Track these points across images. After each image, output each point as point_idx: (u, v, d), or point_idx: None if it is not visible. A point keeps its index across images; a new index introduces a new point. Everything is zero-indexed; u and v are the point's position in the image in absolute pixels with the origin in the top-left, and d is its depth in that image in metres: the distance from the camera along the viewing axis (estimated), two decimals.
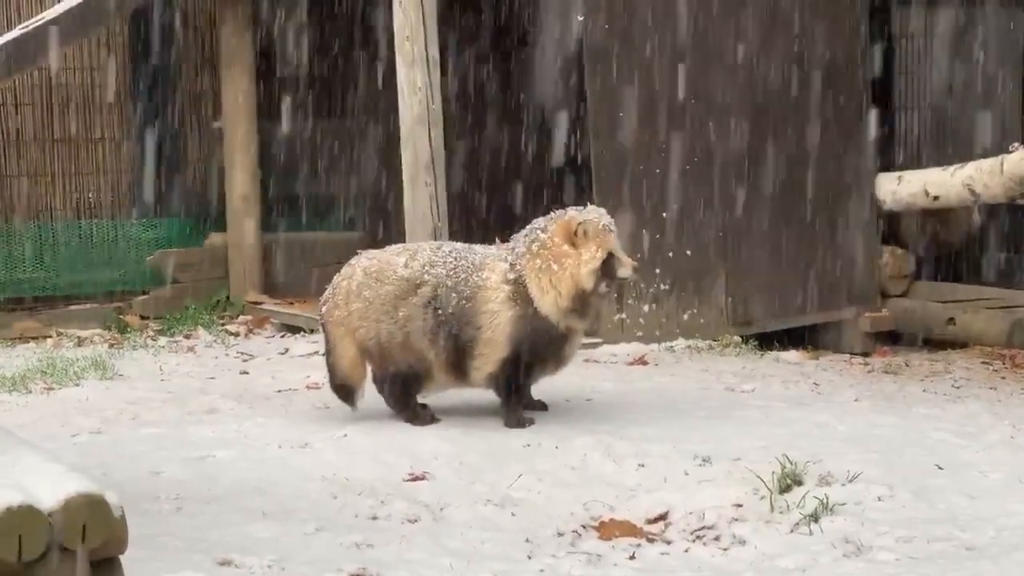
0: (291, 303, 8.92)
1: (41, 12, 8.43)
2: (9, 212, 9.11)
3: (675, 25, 7.53)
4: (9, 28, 8.55)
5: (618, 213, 7.34)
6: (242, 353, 7.58)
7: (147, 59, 9.51)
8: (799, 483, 4.45)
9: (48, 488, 2.87)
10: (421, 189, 7.19)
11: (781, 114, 7.76)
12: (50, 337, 8.27)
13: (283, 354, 7.53)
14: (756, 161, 7.70)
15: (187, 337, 8.20)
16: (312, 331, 8.01)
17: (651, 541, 4.14)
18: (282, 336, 8.21)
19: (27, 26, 8.14)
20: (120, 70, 9.48)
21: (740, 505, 4.33)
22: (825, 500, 4.23)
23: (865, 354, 7.65)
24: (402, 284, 5.46)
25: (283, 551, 3.88)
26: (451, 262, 5.54)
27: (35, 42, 8.10)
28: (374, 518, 4.30)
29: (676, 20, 7.53)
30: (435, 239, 7.19)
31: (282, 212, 9.67)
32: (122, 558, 2.99)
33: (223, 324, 8.54)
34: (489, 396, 5.55)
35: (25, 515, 2.77)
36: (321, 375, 6.76)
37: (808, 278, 7.88)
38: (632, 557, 3.98)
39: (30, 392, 6.41)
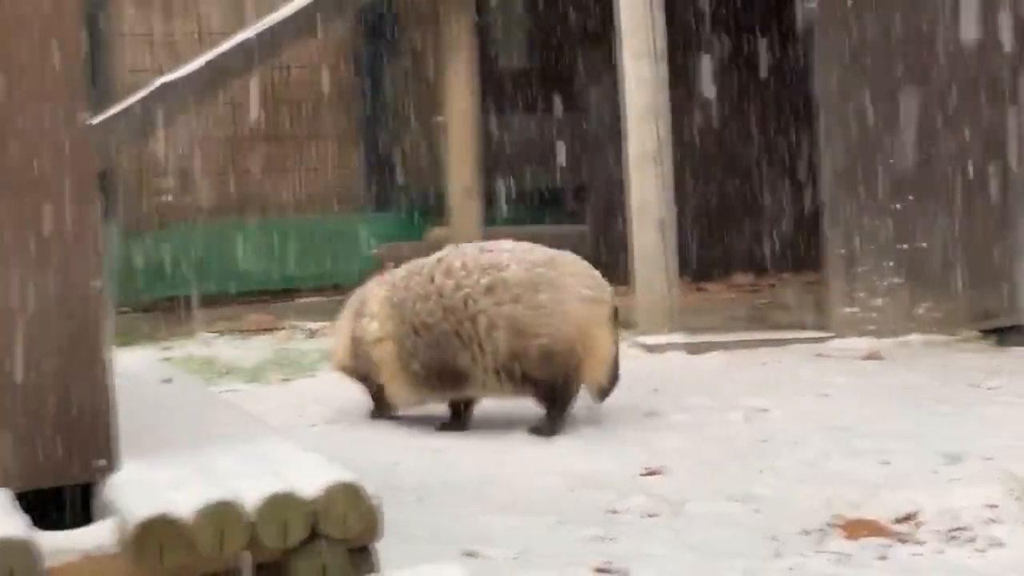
0: None
1: (272, 12, 8.64)
2: (239, 207, 9.38)
3: (902, 12, 7.29)
4: (243, 27, 8.79)
5: (851, 203, 7.23)
6: None
7: (370, 54, 9.67)
8: None
9: (308, 477, 2.92)
10: (647, 180, 7.14)
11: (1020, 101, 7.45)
12: (281, 329, 8.47)
13: None
14: (992, 151, 7.41)
15: None
16: None
17: (901, 542, 3.99)
18: None
19: (260, 26, 8.37)
20: (344, 66, 9.68)
21: (995, 506, 4.15)
22: None
23: None
24: None
25: (525, 543, 3.88)
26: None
27: (269, 41, 8.33)
28: (613, 512, 4.26)
29: (906, 5, 7.30)
30: (661, 231, 7.15)
31: (505, 205, 9.73)
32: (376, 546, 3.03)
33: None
34: (726, 396, 5.46)
35: (288, 503, 2.82)
36: None
37: None
38: (883, 558, 3.84)
39: (268, 383, 6.58)
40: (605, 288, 5.34)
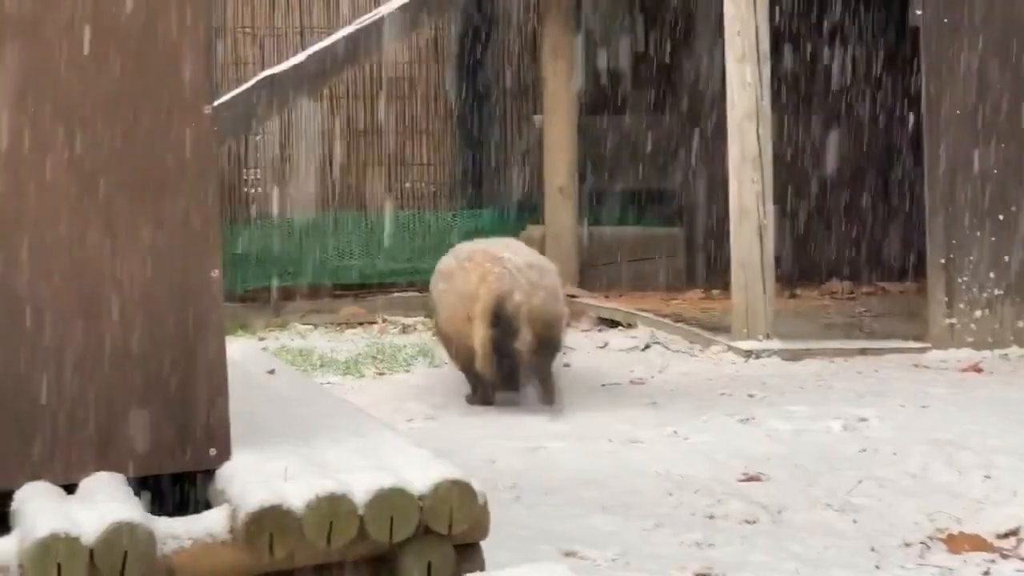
0: (606, 296, 8.96)
1: (376, 8, 8.72)
2: (340, 202, 9.46)
3: (1011, 20, 7.18)
4: (344, 24, 8.87)
5: (950, 214, 7.13)
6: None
7: (470, 53, 9.72)
8: None
9: (417, 472, 2.93)
10: (747, 185, 7.11)
11: None
12: (375, 323, 8.54)
13: (602, 348, 7.56)
14: None
15: None
16: (629, 325, 8.04)
17: (1004, 557, 3.94)
18: (600, 330, 8.23)
19: (362, 21, 8.44)
20: (444, 64, 9.73)
21: None
22: None
23: None
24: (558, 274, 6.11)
25: (624, 545, 3.88)
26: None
27: (370, 36, 8.39)
28: (711, 517, 4.24)
29: (1017, 16, 7.19)
30: (759, 236, 7.12)
31: (600, 206, 9.72)
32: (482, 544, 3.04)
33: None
34: (824, 404, 5.41)
35: (397, 497, 2.84)
36: (643, 369, 6.80)
37: None
38: (986, 573, 3.79)
39: (363, 376, 6.63)
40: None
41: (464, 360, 5.94)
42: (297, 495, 2.81)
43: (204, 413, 2.99)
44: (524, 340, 5.68)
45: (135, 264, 2.91)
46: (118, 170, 2.90)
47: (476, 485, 2.94)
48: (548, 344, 5.80)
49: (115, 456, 2.92)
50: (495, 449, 5.03)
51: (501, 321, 5.68)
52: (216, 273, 3.00)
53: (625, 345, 7.49)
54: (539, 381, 5.85)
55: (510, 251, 6.00)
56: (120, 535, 2.66)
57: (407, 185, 9.80)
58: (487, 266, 5.85)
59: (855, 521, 4.23)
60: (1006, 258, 7.20)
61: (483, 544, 3.08)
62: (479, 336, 5.73)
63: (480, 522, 2.95)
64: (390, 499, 2.83)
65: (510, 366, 5.73)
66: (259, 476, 2.93)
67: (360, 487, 2.85)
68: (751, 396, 5.99)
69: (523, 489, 4.48)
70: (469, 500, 2.91)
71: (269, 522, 2.76)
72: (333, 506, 2.80)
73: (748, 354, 6.95)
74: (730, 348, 7.06)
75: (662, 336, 7.57)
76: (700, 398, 5.97)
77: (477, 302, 5.75)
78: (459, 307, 5.87)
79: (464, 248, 6.25)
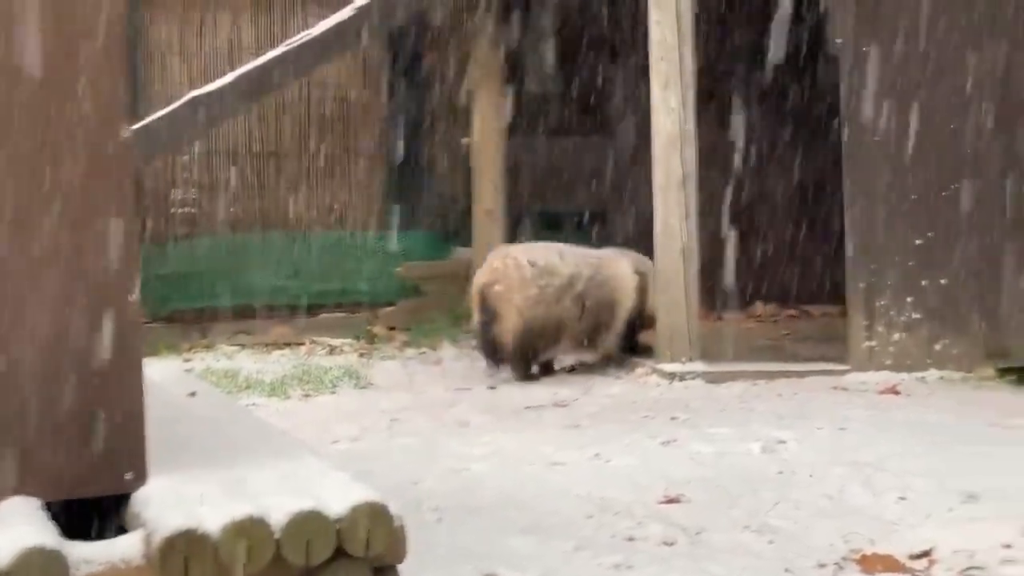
0: None
1: (306, 29, 8.72)
2: (267, 223, 9.44)
3: (937, 48, 7.32)
4: (274, 45, 8.87)
5: (870, 238, 7.24)
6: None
7: (401, 75, 9.74)
8: None
9: (335, 495, 2.94)
10: (672, 208, 7.18)
11: None
12: (303, 344, 8.53)
13: None
14: (1015, 189, 7.42)
15: (433, 349, 8.36)
16: None
17: None
18: None
19: (293, 42, 8.44)
20: (373, 86, 9.74)
21: (1010, 546, 4.15)
22: None
23: None
24: (565, 279, 7.30)
25: (544, 567, 3.90)
26: (587, 260, 7.51)
27: (300, 57, 8.39)
28: (631, 539, 4.28)
29: (937, 42, 7.32)
30: (683, 258, 7.19)
31: (527, 227, 9.77)
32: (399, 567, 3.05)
33: (468, 337, 8.67)
34: (745, 427, 5.48)
35: (314, 521, 2.84)
36: (568, 392, 6.84)
37: None
38: None
39: (288, 398, 6.62)
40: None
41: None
42: (213, 519, 2.80)
43: (120, 437, 2.98)
44: (506, 326, 7.14)
45: (50, 286, 2.90)
46: (31, 189, 2.89)
47: (393, 508, 2.96)
48: (529, 331, 7.15)
49: (31, 481, 2.91)
50: (420, 471, 5.05)
51: (486, 308, 7.15)
52: (134, 296, 2.99)
53: (552, 367, 7.54)
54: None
55: (532, 253, 7.36)
56: (32, 560, 2.65)
57: (336, 206, 9.80)
58: (490, 262, 7.36)
59: (772, 542, 4.28)
60: (924, 282, 7.32)
61: (404, 567, 3.09)
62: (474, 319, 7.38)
63: (397, 545, 2.96)
64: (307, 522, 2.84)
65: (493, 346, 7.21)
66: (175, 500, 2.92)
67: (277, 511, 2.85)
68: (674, 418, 6.05)
69: (445, 511, 4.50)
70: (385, 523, 2.92)
71: (183, 546, 2.75)
72: (249, 530, 2.80)
73: (672, 376, 7.02)
74: (654, 371, 7.12)
75: (587, 358, 7.63)
76: (623, 420, 6.02)
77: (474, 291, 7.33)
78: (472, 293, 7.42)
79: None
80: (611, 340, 7.53)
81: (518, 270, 7.19)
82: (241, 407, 5.07)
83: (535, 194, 9.97)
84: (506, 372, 7.30)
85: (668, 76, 7.12)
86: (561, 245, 7.58)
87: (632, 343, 7.66)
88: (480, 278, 7.29)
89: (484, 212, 9.44)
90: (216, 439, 3.58)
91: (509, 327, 7.16)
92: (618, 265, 7.56)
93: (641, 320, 7.60)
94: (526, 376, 7.28)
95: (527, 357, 7.29)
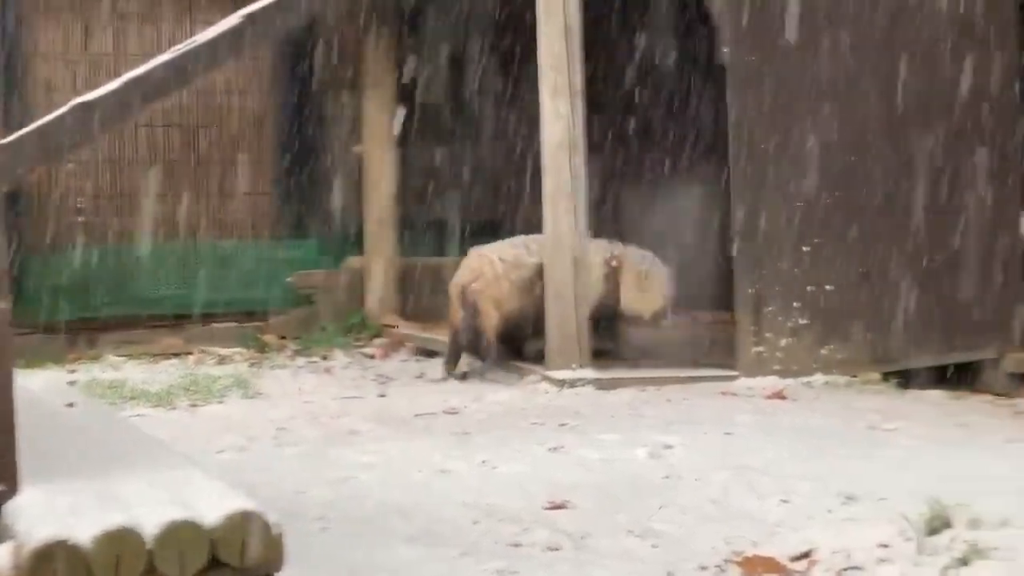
0: (425, 327, 8.99)
1: (195, 34, 8.62)
2: (154, 230, 9.31)
3: (822, 59, 7.44)
4: (161, 51, 8.75)
5: (758, 245, 7.34)
6: (379, 376, 7.66)
7: (291, 83, 9.67)
8: (948, 526, 4.33)
9: (210, 504, 2.92)
10: (561, 216, 7.21)
11: (924, 149, 7.62)
12: (192, 354, 8.43)
13: (419, 377, 7.59)
14: (899, 197, 7.58)
15: (324, 358, 8.31)
16: None
17: None
18: (417, 360, 8.28)
19: (182, 47, 8.34)
20: (264, 93, 9.66)
21: (887, 546, 4.23)
22: (975, 544, 4.12)
23: (1007, 395, 7.47)
24: (533, 270, 7.50)
25: (428, 575, 3.90)
26: None
27: (189, 63, 8.29)
28: (516, 545, 4.29)
29: (823, 54, 7.45)
30: (573, 266, 7.22)
31: (418, 237, 9.76)
32: None
33: (359, 346, 8.64)
34: (633, 433, 5.51)
35: (187, 531, 2.82)
36: (458, 399, 6.84)
37: (950, 315, 7.72)
38: None
39: (175, 408, 6.54)
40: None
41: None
42: (85, 530, 2.76)
43: None
44: (487, 320, 7.51)
45: None
46: None
47: (270, 517, 2.93)
48: (507, 322, 7.59)
49: None
50: (306, 480, 5.01)
51: (466, 303, 7.51)
52: (4, 304, 2.94)
53: (442, 375, 7.53)
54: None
55: (502, 250, 7.68)
56: None
57: (227, 214, 9.70)
58: (467, 262, 7.71)
59: (656, 546, 4.32)
60: (810, 288, 7.44)
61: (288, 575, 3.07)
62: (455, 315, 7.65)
63: (273, 554, 2.94)
64: (180, 533, 2.81)
65: (476, 340, 7.55)
66: (48, 511, 2.88)
67: (150, 521, 2.82)
68: (563, 425, 6.07)
69: (331, 520, 4.47)
70: (262, 532, 2.90)
71: (54, 557, 2.71)
72: (121, 541, 2.76)
73: (562, 384, 7.04)
74: (545, 378, 7.14)
75: (479, 366, 7.64)
76: (512, 428, 6.03)
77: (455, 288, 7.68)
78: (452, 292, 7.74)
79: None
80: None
81: (491, 267, 7.59)
82: (120, 418, 5.01)
83: (428, 203, 9.96)
84: (490, 362, 7.58)
85: (557, 84, 7.16)
86: (533, 237, 7.71)
87: (613, 332, 7.87)
88: (459, 278, 7.66)
89: (376, 221, 9.42)
90: (92, 450, 3.53)
91: (490, 322, 7.53)
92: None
93: (616, 312, 7.79)
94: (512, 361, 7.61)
95: (513, 345, 7.69)
